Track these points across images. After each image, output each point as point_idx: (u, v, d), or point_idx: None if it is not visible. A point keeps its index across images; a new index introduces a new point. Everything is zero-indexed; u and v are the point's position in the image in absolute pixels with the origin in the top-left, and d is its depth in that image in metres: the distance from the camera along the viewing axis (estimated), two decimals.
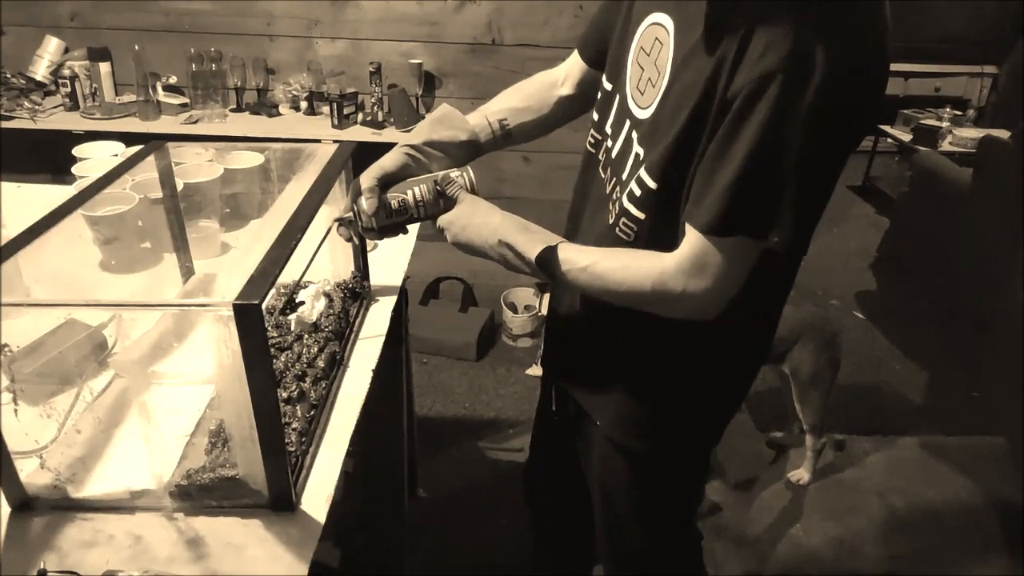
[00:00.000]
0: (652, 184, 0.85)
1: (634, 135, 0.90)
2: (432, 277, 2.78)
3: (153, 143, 1.16)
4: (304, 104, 2.81)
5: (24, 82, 2.67)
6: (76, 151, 1.57)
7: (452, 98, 2.91)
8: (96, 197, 1.37)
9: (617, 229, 0.92)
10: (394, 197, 1.00)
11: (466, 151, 1.05)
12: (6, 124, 2.60)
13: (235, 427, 0.86)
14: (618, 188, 0.93)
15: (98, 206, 1.35)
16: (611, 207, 0.94)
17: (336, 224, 1.03)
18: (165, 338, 1.11)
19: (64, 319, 1.09)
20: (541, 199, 3.00)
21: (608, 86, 0.97)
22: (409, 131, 2.71)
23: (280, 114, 2.82)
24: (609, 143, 0.96)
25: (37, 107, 2.68)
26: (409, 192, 1.00)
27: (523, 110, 1.11)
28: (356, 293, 1.26)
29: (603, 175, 0.98)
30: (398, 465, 1.59)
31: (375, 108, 2.75)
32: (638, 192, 0.87)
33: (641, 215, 0.88)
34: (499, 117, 1.09)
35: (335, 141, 2.45)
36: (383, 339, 1.21)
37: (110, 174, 1.07)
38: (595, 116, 1.01)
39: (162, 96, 2.73)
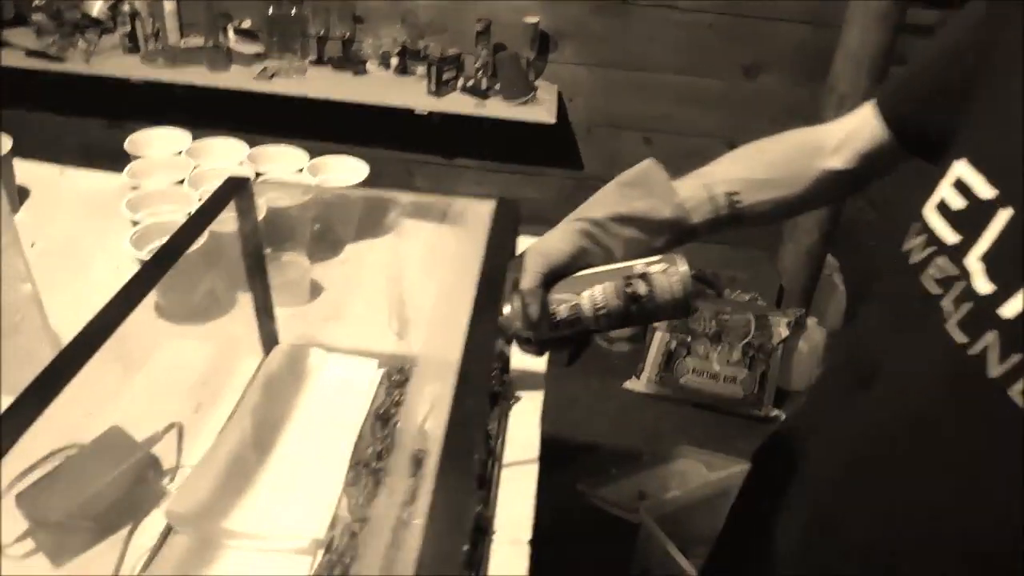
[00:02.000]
0: None
1: None
2: None
3: (232, 180, 0.82)
4: (395, 61, 2.44)
5: (79, 17, 2.36)
6: (130, 143, 1.24)
7: (569, 63, 2.49)
8: (148, 226, 1.05)
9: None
10: (562, 301, 0.67)
11: (669, 234, 0.71)
12: (57, 67, 2.31)
13: None
14: (1006, 375, 0.50)
15: (151, 238, 1.04)
16: (975, 394, 0.53)
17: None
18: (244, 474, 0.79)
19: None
20: None
21: (985, 190, 0.53)
22: (519, 103, 2.32)
23: (367, 71, 2.45)
24: (977, 285, 0.53)
25: (92, 47, 2.38)
26: (585, 294, 0.67)
27: (764, 184, 0.74)
28: (493, 394, 0.92)
29: (954, 333, 0.53)
30: None
31: (479, 73, 2.36)
32: None
33: None
34: (727, 189, 0.72)
35: (431, 113, 2.08)
36: (536, 468, 0.87)
37: (182, 235, 0.74)
38: (936, 227, 0.57)
39: (233, 42, 2.40)
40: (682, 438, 2.07)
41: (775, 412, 2.24)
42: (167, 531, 0.74)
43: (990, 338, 0.50)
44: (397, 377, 0.94)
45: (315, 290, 1.13)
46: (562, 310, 0.68)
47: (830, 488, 0.68)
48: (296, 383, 0.93)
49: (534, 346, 0.72)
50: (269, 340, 0.97)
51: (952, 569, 0.56)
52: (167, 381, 0.89)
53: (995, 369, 0.49)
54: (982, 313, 0.50)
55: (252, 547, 0.73)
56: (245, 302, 0.95)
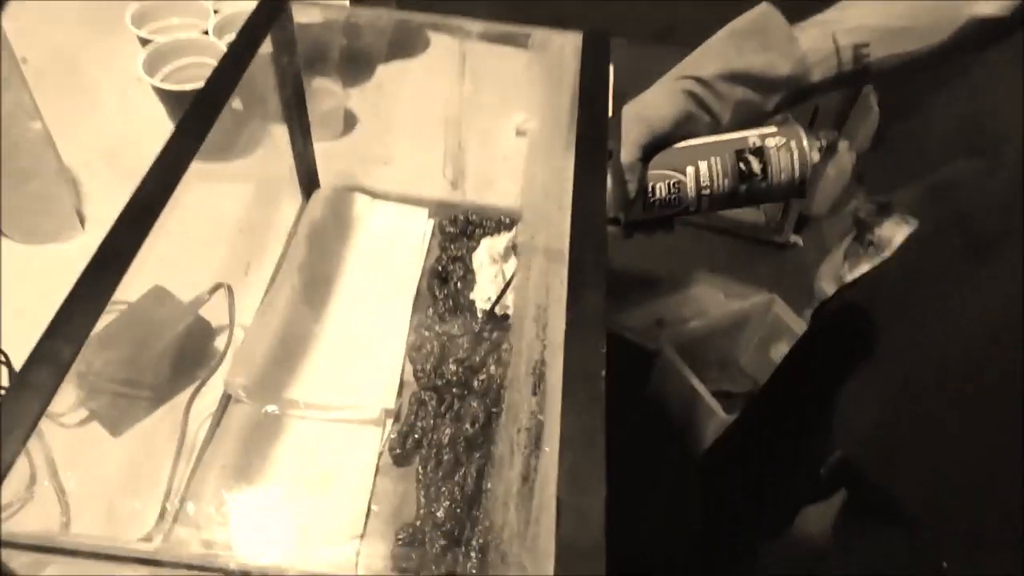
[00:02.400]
0: None
1: None
2: None
3: (267, 3, 0.70)
4: None
5: None
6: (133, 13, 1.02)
7: None
8: (160, 47, 0.92)
9: None
10: (662, 177, 0.59)
11: (783, 94, 0.60)
12: None
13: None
14: None
15: (164, 60, 0.91)
16: None
17: None
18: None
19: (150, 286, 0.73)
20: None
21: None
22: None
23: None
24: None
25: None
26: (690, 171, 0.59)
27: (901, 33, 0.62)
28: None
29: None
30: None
31: None
32: None
33: None
34: (856, 40, 0.61)
35: None
36: None
37: (221, 77, 0.63)
38: None
39: None
40: (701, 264, 2.05)
41: (794, 238, 2.22)
42: (226, 399, 0.71)
43: None
44: (451, 230, 0.87)
45: (348, 121, 1.02)
46: (661, 188, 0.59)
47: None
48: (342, 234, 0.86)
49: (620, 228, 0.65)
50: (309, 182, 0.89)
51: None
52: (204, 233, 0.82)
53: None
54: None
55: (318, 417, 0.70)
56: (278, 138, 0.85)
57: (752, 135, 0.59)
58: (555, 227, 0.54)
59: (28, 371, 0.41)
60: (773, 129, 0.59)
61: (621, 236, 0.64)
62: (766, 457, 0.96)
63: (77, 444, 0.67)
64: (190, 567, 0.38)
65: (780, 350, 1.70)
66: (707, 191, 0.59)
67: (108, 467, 0.66)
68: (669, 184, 0.59)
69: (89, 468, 0.66)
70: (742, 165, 0.58)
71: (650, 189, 0.59)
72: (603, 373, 0.44)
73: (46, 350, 0.42)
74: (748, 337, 1.77)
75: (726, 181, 0.58)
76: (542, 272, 0.54)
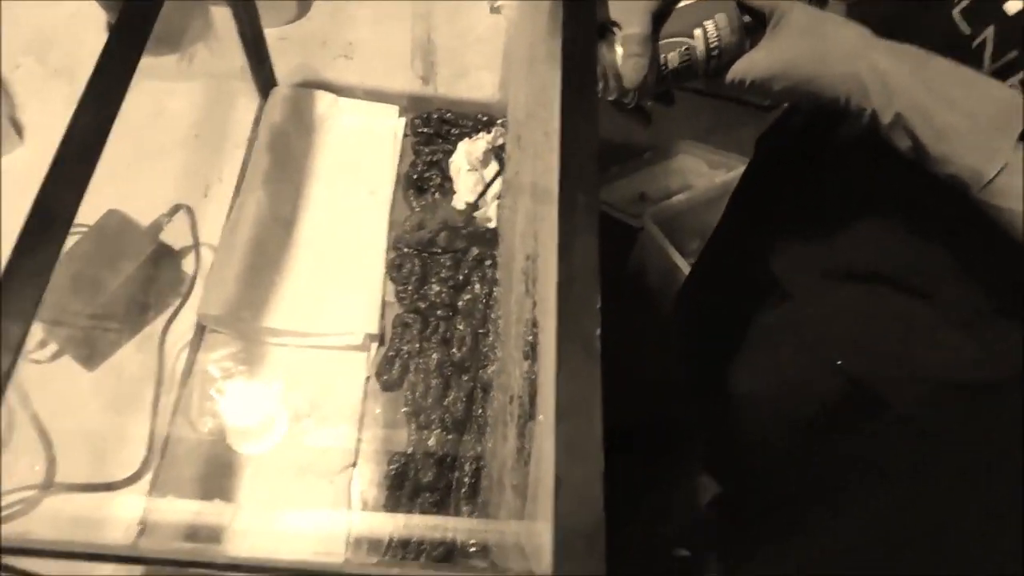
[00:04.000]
0: None
1: None
2: None
3: None
4: None
5: None
6: None
7: None
8: None
9: None
10: (673, 46, 0.55)
11: None
12: None
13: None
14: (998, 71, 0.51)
15: None
16: None
17: None
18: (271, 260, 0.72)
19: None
20: None
21: None
22: None
23: None
24: None
25: None
26: (697, 33, 0.54)
27: None
28: None
29: (959, 22, 0.52)
30: None
31: None
32: None
33: None
34: None
35: None
36: None
37: None
38: None
39: None
40: (681, 131, 2.00)
41: None
42: (201, 329, 0.69)
43: (989, 32, 0.49)
44: (425, 130, 0.82)
45: (302, 2, 0.92)
46: (673, 58, 0.54)
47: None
48: (306, 138, 0.81)
49: (625, 99, 0.59)
50: (264, 79, 0.82)
51: None
52: (155, 145, 0.76)
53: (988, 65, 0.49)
54: (986, 6, 0.49)
55: (299, 344, 0.69)
56: (223, 26, 0.77)
57: None
58: (542, 160, 0.50)
59: None
60: None
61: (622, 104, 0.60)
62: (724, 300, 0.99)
63: (52, 381, 0.65)
64: (178, 563, 0.38)
65: None
66: (716, 51, 0.54)
67: (87, 404, 0.65)
68: (681, 52, 0.54)
69: (68, 406, 0.65)
70: (746, 17, 0.54)
71: (663, 60, 0.54)
72: (598, 332, 0.42)
73: (10, 292, 0.38)
74: None
75: (733, 38, 0.54)
76: (529, 216, 0.51)
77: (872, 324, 0.69)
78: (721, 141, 1.99)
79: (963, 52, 0.50)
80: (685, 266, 1.60)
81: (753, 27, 0.54)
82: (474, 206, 0.75)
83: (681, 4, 0.54)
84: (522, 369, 0.44)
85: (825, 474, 1.15)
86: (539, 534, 0.38)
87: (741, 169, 1.73)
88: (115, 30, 0.50)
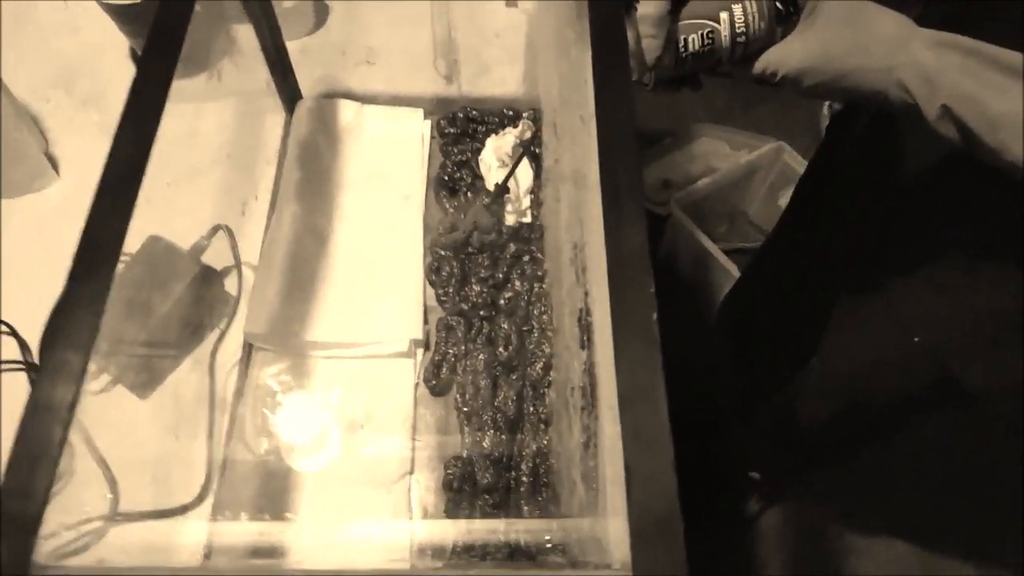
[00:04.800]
0: None
1: None
2: None
3: None
4: None
5: None
6: None
7: None
8: None
9: None
10: (695, 28, 0.54)
11: None
12: None
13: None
14: None
15: None
16: None
17: None
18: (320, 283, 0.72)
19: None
20: None
21: None
22: None
23: None
24: None
25: None
26: (723, 16, 0.54)
27: None
28: None
29: None
30: None
31: None
32: None
33: None
34: None
35: None
36: None
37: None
38: None
39: None
40: (700, 114, 1.98)
41: None
42: (249, 347, 0.69)
43: None
44: (451, 130, 0.82)
45: (320, 13, 0.92)
46: (693, 41, 0.54)
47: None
48: (334, 148, 0.81)
49: (645, 87, 0.59)
50: (289, 92, 0.82)
51: None
52: (188, 168, 0.77)
53: None
54: None
55: (345, 355, 0.69)
56: (246, 43, 0.78)
57: None
58: (580, 146, 0.49)
59: (52, 354, 0.38)
60: None
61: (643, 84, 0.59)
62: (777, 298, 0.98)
63: (107, 411, 0.66)
64: None
65: (788, 197, 1.67)
66: (742, 38, 0.53)
67: (145, 431, 0.66)
68: (703, 35, 0.53)
69: (126, 434, 0.66)
70: (779, 4, 0.53)
71: (681, 42, 0.53)
72: (655, 317, 0.41)
73: (67, 323, 0.39)
74: (756, 188, 1.73)
75: (762, 24, 0.53)
76: (572, 204, 0.50)
77: (952, 308, 0.67)
78: (739, 121, 1.97)
79: None
80: (716, 251, 1.58)
81: (785, 15, 0.52)
82: (503, 189, 0.73)
83: None
84: (580, 360, 0.43)
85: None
86: (614, 525, 0.37)
87: (764, 148, 1.72)
88: (145, 55, 0.51)
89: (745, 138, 1.88)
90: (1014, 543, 1.37)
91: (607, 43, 0.49)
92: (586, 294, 0.45)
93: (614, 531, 0.37)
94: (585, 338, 0.44)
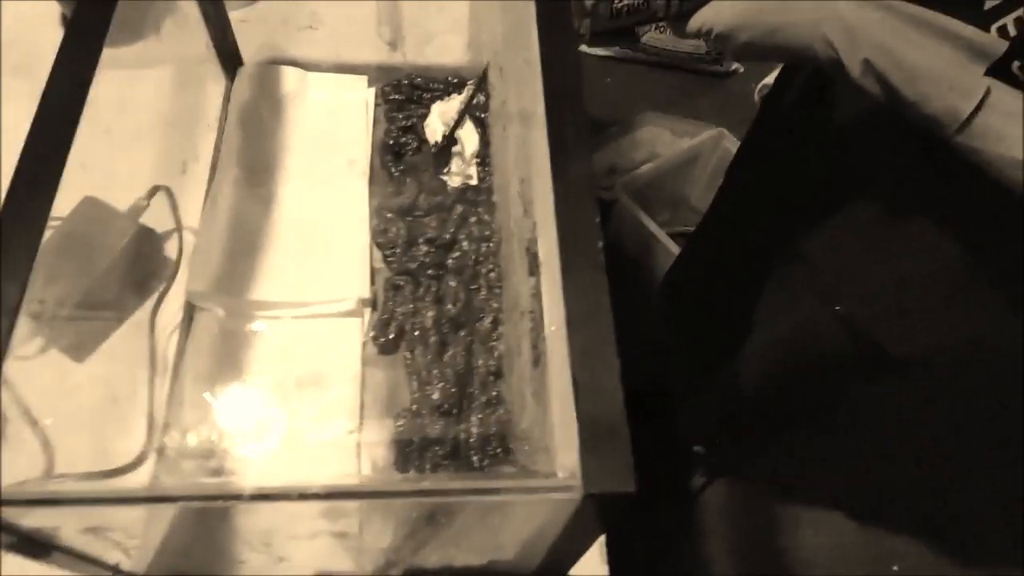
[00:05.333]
0: None
1: None
2: None
3: None
4: None
5: None
6: None
7: None
8: None
9: None
10: None
11: None
12: None
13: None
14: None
15: None
16: None
17: None
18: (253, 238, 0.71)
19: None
20: None
21: None
22: None
23: None
24: None
25: None
26: None
27: None
28: None
29: None
30: None
31: None
32: None
33: None
34: None
35: None
36: None
37: None
38: None
39: None
40: (643, 103, 2.01)
41: (735, 65, 2.18)
42: (191, 308, 0.68)
43: None
44: (396, 96, 0.82)
45: None
46: None
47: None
48: (277, 115, 0.80)
49: (581, 37, 0.60)
50: (230, 59, 0.81)
51: None
52: (126, 130, 0.75)
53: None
54: None
55: (291, 315, 0.68)
56: (186, 8, 0.76)
57: None
58: (527, 86, 0.50)
59: None
60: None
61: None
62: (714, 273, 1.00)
63: (42, 376, 0.64)
64: (204, 498, 0.37)
65: None
66: None
67: (80, 396, 0.64)
68: None
69: (62, 398, 0.64)
70: None
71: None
72: (600, 244, 0.42)
73: None
74: (698, 174, 1.77)
75: None
76: (519, 141, 0.51)
77: (875, 275, 0.70)
78: (682, 111, 2.01)
79: None
80: (661, 234, 1.62)
81: None
82: (449, 143, 0.72)
83: None
84: (529, 286, 0.44)
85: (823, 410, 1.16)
86: (562, 436, 0.38)
87: (705, 135, 1.76)
88: (73, 20, 0.50)
89: (687, 126, 1.92)
90: (951, 507, 1.43)
91: None
92: (534, 225, 0.45)
93: (561, 441, 0.37)
94: (534, 265, 0.44)
